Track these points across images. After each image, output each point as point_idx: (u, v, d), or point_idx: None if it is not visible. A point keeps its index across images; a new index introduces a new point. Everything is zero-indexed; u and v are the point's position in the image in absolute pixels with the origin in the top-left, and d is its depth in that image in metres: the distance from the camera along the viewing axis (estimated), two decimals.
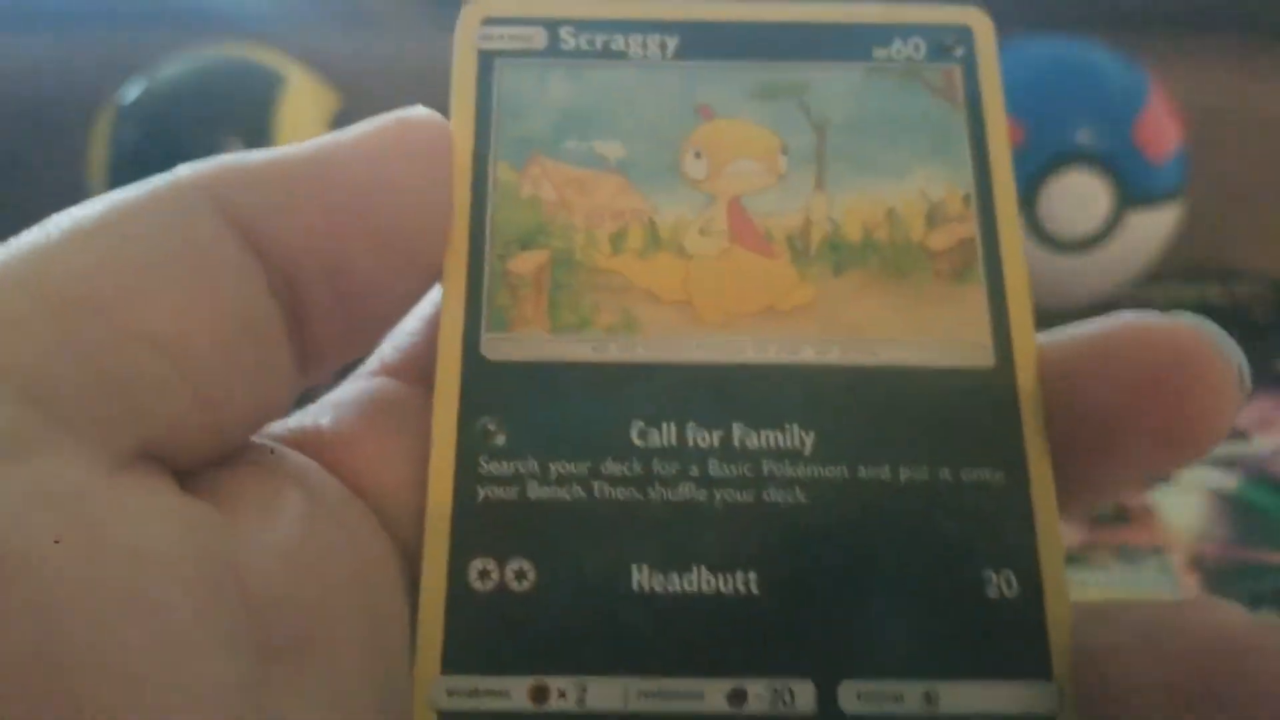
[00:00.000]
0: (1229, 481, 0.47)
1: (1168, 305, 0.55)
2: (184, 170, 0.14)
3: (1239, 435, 0.49)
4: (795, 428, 0.15)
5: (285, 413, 0.15)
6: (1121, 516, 0.44)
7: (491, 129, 0.17)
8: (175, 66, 0.54)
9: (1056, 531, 0.15)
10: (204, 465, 0.13)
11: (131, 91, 0.53)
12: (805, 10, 0.18)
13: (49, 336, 0.12)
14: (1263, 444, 0.49)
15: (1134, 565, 0.42)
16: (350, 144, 0.15)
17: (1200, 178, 0.55)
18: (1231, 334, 0.14)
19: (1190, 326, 0.14)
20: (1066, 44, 0.55)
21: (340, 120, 0.55)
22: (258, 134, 0.52)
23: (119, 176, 0.53)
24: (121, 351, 0.12)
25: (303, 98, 0.54)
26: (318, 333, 0.14)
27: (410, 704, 0.14)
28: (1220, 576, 0.42)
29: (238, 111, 0.53)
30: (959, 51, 0.17)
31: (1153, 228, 0.54)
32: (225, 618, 0.12)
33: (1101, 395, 0.14)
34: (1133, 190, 0.52)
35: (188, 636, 0.11)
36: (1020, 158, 0.60)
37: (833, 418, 0.15)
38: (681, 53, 0.17)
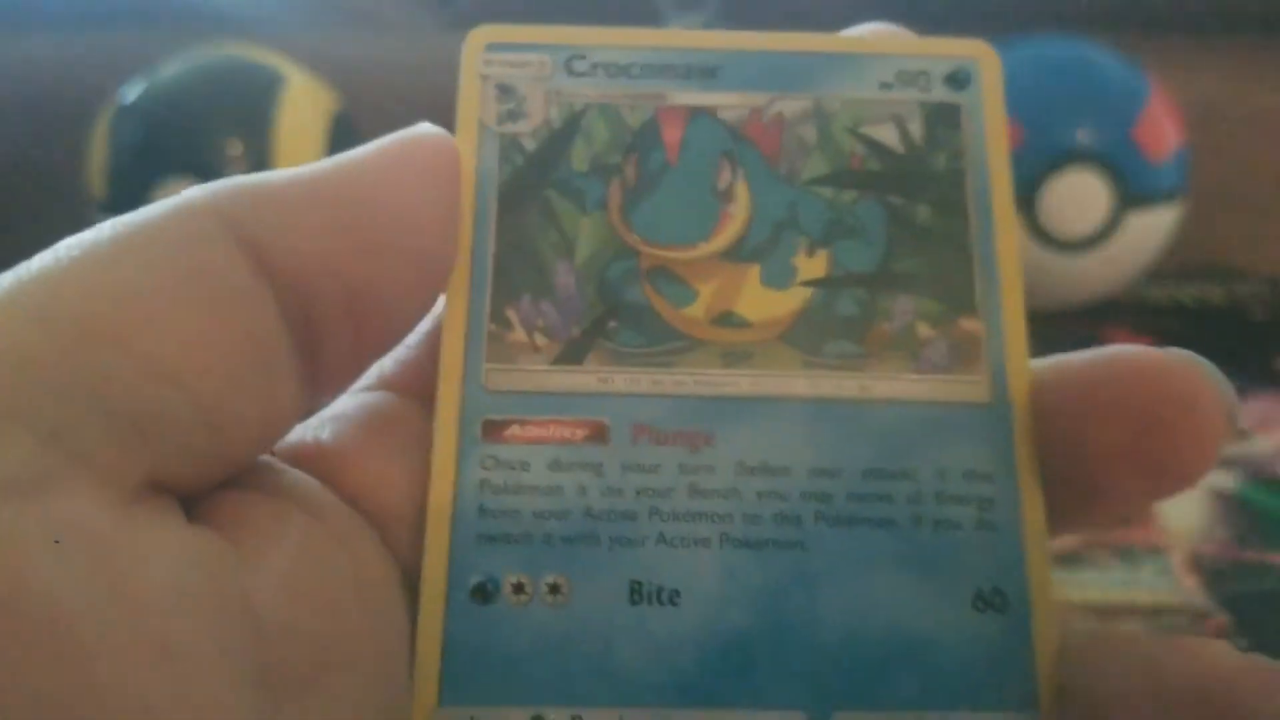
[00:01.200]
0: (1229, 481, 0.47)
1: (1168, 305, 0.54)
2: (195, 192, 0.14)
3: (1239, 435, 0.49)
4: (789, 457, 0.15)
5: (289, 432, 0.15)
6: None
7: (497, 158, 0.17)
8: (175, 66, 0.54)
9: (1046, 564, 0.15)
10: (209, 489, 0.14)
11: (131, 91, 0.53)
12: (810, 41, 0.17)
13: (62, 370, 0.12)
14: (1263, 444, 0.49)
15: (1134, 565, 0.42)
16: (360, 162, 0.15)
17: (1200, 178, 0.55)
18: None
19: (1184, 362, 0.14)
20: (1066, 44, 0.55)
21: (340, 120, 0.55)
22: (258, 134, 0.52)
23: (119, 176, 0.53)
24: (135, 384, 0.12)
25: (303, 98, 0.54)
26: (329, 353, 0.14)
27: None
28: (1220, 576, 0.42)
29: (238, 111, 0.53)
30: (964, 89, 0.17)
31: (1153, 228, 0.54)
32: (239, 653, 0.12)
33: (1095, 429, 0.14)
34: (1133, 190, 0.52)
35: (206, 676, 0.11)
36: (1020, 158, 0.59)
37: (826, 448, 0.16)
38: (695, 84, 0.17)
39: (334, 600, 0.13)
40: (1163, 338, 0.60)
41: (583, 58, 0.17)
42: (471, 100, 0.17)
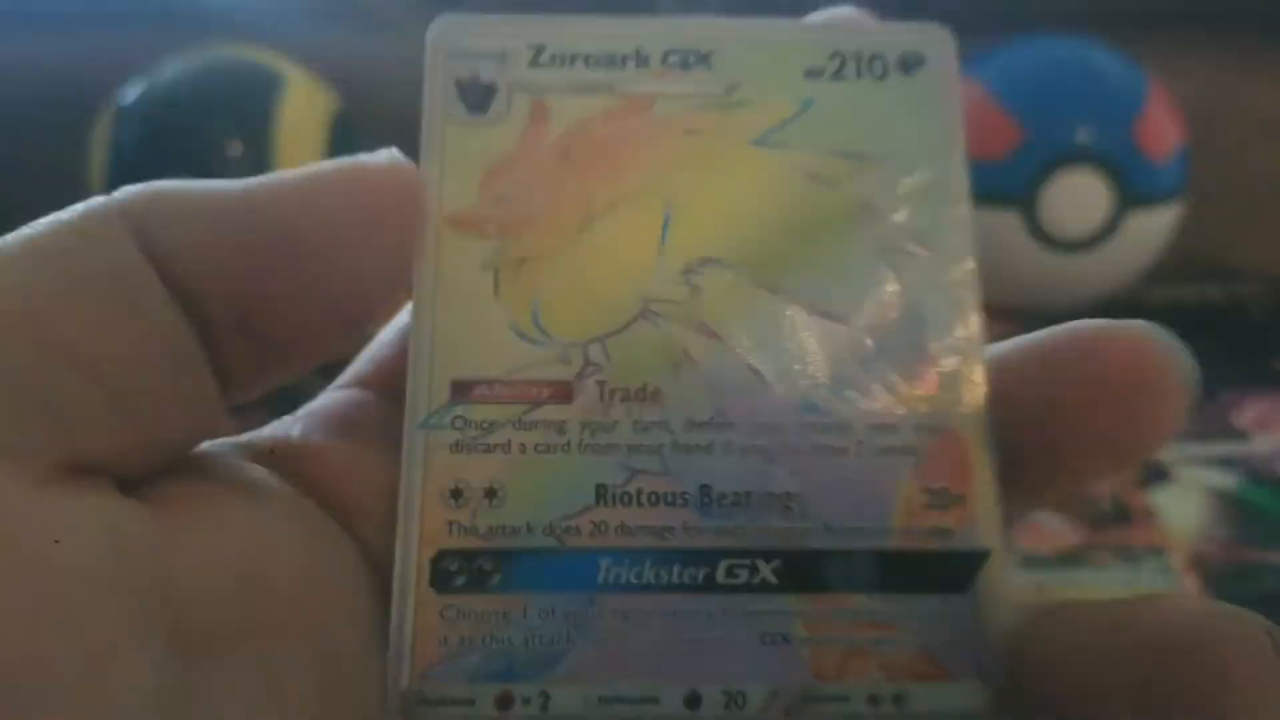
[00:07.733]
0: (1229, 481, 0.47)
1: (1168, 305, 0.54)
2: (117, 195, 0.14)
3: (1239, 435, 0.49)
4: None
5: (224, 426, 0.15)
6: (1122, 516, 0.45)
7: (461, 154, 0.16)
8: (175, 66, 0.54)
9: (999, 541, 0.15)
10: (149, 476, 0.14)
11: (131, 91, 0.53)
12: (762, 27, 0.17)
13: None
14: (1263, 444, 0.49)
15: (1134, 565, 0.42)
16: (289, 187, 0.14)
17: (1200, 178, 0.55)
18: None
19: (1140, 332, 0.14)
20: (1066, 44, 0.55)
21: (340, 120, 0.55)
22: (258, 134, 0.52)
23: (119, 177, 0.53)
24: (42, 368, 0.13)
25: (303, 98, 0.54)
26: (229, 365, 0.14)
27: (358, 700, 0.14)
28: (1220, 576, 0.42)
29: (238, 111, 0.53)
30: (913, 73, 0.17)
31: (1153, 228, 0.54)
32: (146, 616, 0.12)
33: (1054, 401, 0.15)
34: (1133, 190, 0.52)
35: (105, 643, 0.12)
36: (1020, 158, 0.59)
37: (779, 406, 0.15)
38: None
39: (269, 572, 0.14)
40: None
41: (548, 49, 0.17)
42: (436, 96, 0.17)
